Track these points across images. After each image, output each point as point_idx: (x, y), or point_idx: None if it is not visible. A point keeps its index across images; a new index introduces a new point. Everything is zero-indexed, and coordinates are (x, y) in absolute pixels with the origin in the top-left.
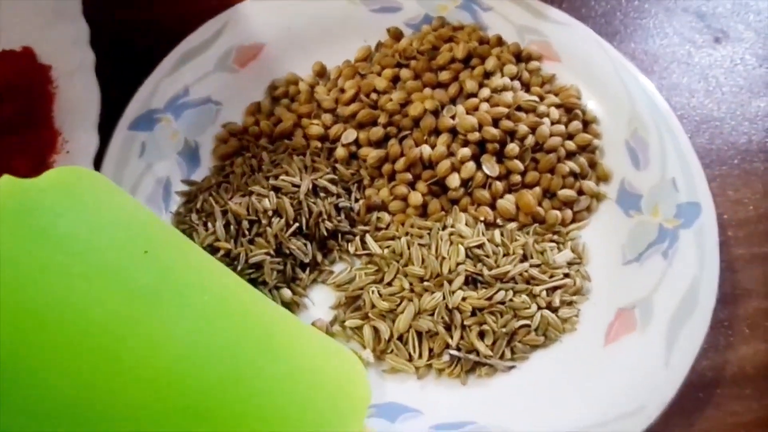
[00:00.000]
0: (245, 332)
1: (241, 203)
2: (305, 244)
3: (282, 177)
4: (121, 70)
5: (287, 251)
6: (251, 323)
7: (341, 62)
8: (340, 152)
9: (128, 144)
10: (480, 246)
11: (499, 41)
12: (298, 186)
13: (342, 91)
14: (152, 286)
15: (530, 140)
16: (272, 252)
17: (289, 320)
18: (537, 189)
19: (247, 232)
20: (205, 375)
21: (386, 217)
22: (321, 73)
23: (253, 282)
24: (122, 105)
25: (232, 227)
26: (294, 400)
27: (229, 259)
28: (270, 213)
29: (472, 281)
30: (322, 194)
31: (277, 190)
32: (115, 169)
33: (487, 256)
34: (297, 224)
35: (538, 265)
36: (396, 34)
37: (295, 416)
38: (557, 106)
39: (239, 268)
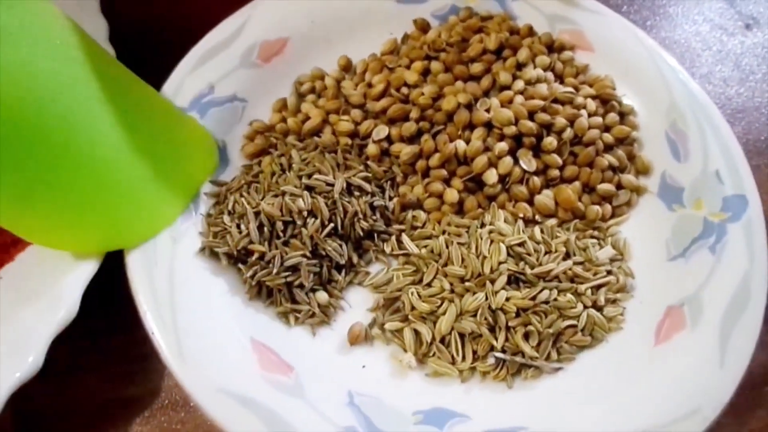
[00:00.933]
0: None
1: (274, 204)
2: (340, 245)
3: (315, 176)
4: (142, 67)
5: (323, 252)
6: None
7: (367, 55)
8: (372, 149)
9: None
10: (521, 244)
11: (530, 31)
12: (332, 185)
13: (370, 85)
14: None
15: (568, 133)
16: (308, 254)
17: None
18: (576, 183)
19: (281, 234)
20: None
21: (422, 215)
22: (347, 67)
23: (289, 285)
24: None
25: (265, 229)
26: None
27: (264, 262)
28: (305, 213)
29: (514, 280)
30: (356, 193)
31: (310, 189)
32: None
33: (529, 255)
34: (332, 224)
35: (581, 263)
36: (423, 26)
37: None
38: (593, 98)
39: (275, 271)
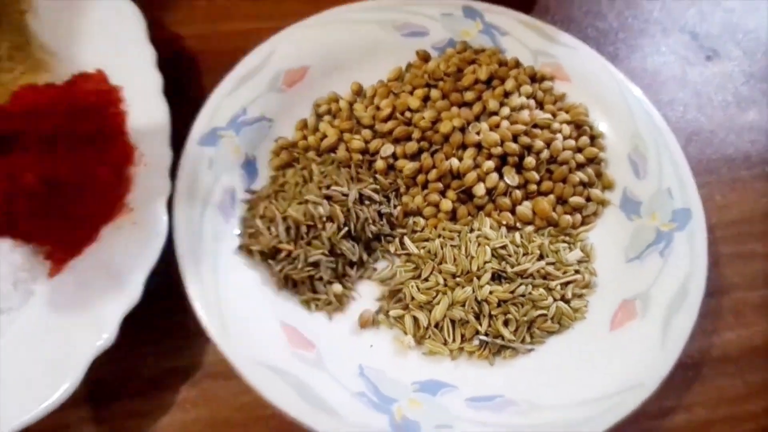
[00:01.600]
0: None
1: (299, 210)
2: (353, 246)
3: (333, 187)
4: (180, 90)
5: (339, 251)
6: None
7: (375, 81)
8: (380, 164)
9: (198, 158)
10: (503, 247)
11: (517, 63)
12: (347, 195)
13: (378, 108)
14: None
15: (545, 154)
16: (327, 252)
17: None
18: (551, 196)
19: (305, 235)
20: None
21: (421, 221)
22: (358, 91)
23: (311, 278)
24: (186, 120)
25: (291, 231)
26: None
27: (290, 259)
28: (324, 219)
29: (497, 277)
30: (366, 202)
31: (328, 198)
32: (190, 181)
33: (510, 256)
34: (347, 228)
35: (552, 263)
36: (424, 56)
37: None
38: (568, 123)
39: (299, 266)
